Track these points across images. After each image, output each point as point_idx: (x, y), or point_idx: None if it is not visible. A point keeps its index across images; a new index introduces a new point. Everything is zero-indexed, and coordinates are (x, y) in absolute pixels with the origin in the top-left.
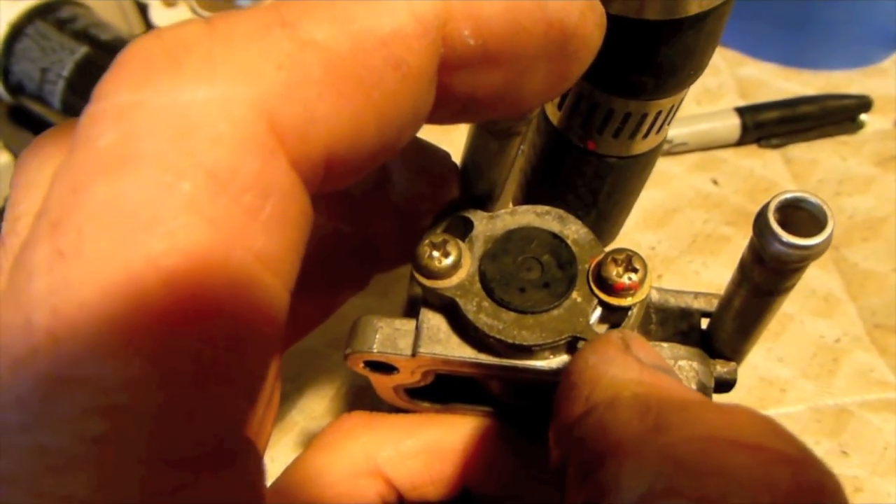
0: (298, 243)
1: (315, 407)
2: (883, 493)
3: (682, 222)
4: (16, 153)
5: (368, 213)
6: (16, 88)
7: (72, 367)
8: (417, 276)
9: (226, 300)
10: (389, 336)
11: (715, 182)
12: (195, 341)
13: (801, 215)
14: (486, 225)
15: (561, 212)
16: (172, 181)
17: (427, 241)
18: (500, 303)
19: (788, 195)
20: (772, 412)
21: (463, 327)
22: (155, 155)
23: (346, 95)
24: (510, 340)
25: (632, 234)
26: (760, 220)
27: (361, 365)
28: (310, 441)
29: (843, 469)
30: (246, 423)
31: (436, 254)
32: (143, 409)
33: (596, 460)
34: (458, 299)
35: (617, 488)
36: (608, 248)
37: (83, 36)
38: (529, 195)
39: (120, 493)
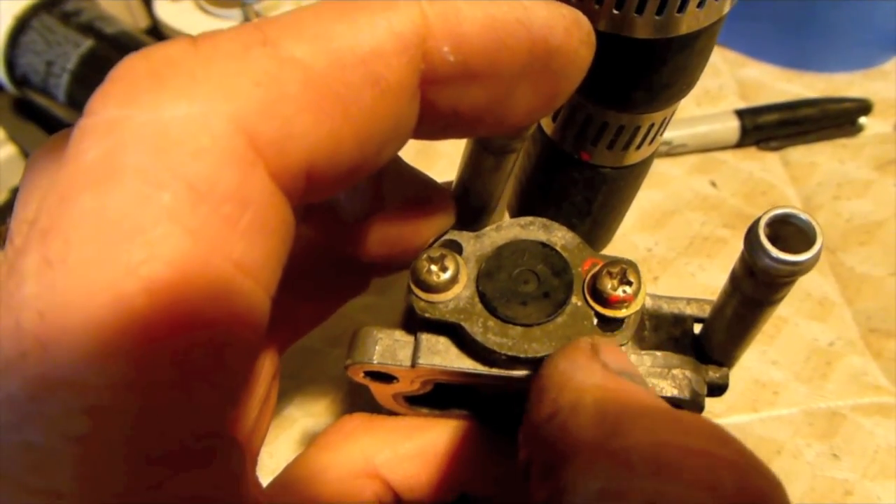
0: (279, 251)
1: (313, 404)
2: (873, 496)
3: (679, 224)
4: (21, 145)
5: (361, 241)
6: (21, 81)
7: (57, 369)
8: (416, 290)
9: (205, 306)
10: (389, 347)
11: (713, 184)
12: (175, 346)
13: (791, 230)
14: (473, 245)
15: (544, 220)
16: (153, 193)
17: (425, 256)
18: (506, 319)
19: (779, 211)
20: (764, 414)
21: (469, 346)
22: (137, 168)
23: (325, 111)
24: (523, 355)
25: (629, 235)
26: (751, 236)
27: (361, 374)
28: (308, 437)
29: (834, 472)
30: (227, 423)
31: (434, 268)
32: (124, 409)
33: (556, 461)
34: (462, 323)
35: (573, 488)
36: (601, 253)
37: (88, 29)
38: (524, 203)
39: (103, 488)
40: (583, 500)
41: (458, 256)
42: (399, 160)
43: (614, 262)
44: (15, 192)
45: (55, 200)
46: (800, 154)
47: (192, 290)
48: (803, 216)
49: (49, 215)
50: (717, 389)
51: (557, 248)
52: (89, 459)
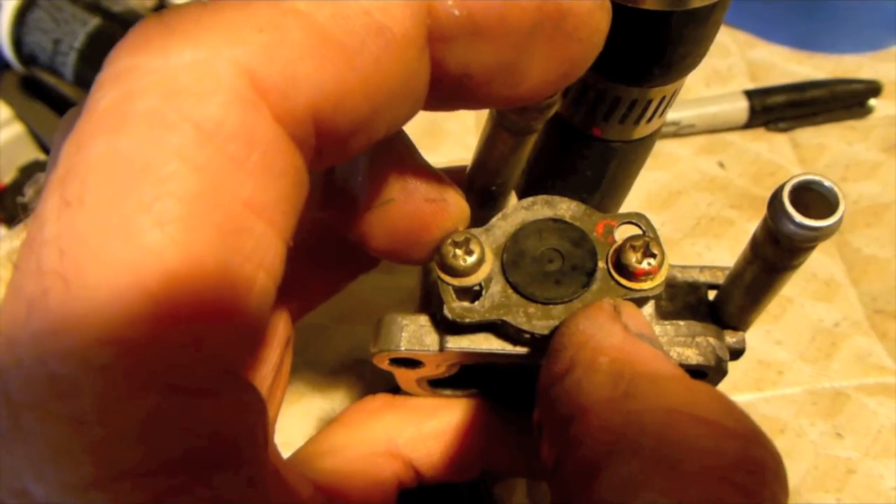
0: (291, 196)
1: (319, 379)
2: (875, 474)
3: (686, 204)
4: (28, 124)
5: (373, 233)
6: (28, 59)
7: (78, 303)
8: (443, 275)
9: (217, 243)
10: (415, 333)
11: (721, 165)
12: (188, 280)
13: (814, 197)
14: (486, 238)
15: (545, 197)
16: (162, 134)
17: (450, 241)
18: (545, 302)
19: (803, 178)
20: (768, 394)
21: (509, 333)
22: (146, 112)
23: (328, 59)
24: None
25: None
26: (775, 202)
27: (387, 362)
28: (313, 412)
29: (837, 451)
30: (244, 366)
31: (459, 252)
32: (142, 340)
33: (569, 416)
34: (504, 318)
35: (584, 444)
36: (611, 214)
37: (95, 7)
38: (533, 181)
39: (123, 415)
40: (592, 454)
41: (480, 238)
42: (419, 157)
43: (637, 235)
44: (24, 171)
45: (73, 148)
46: (808, 135)
47: (203, 226)
48: (826, 182)
49: (67, 161)
50: (735, 354)
51: (568, 220)
52: (110, 388)
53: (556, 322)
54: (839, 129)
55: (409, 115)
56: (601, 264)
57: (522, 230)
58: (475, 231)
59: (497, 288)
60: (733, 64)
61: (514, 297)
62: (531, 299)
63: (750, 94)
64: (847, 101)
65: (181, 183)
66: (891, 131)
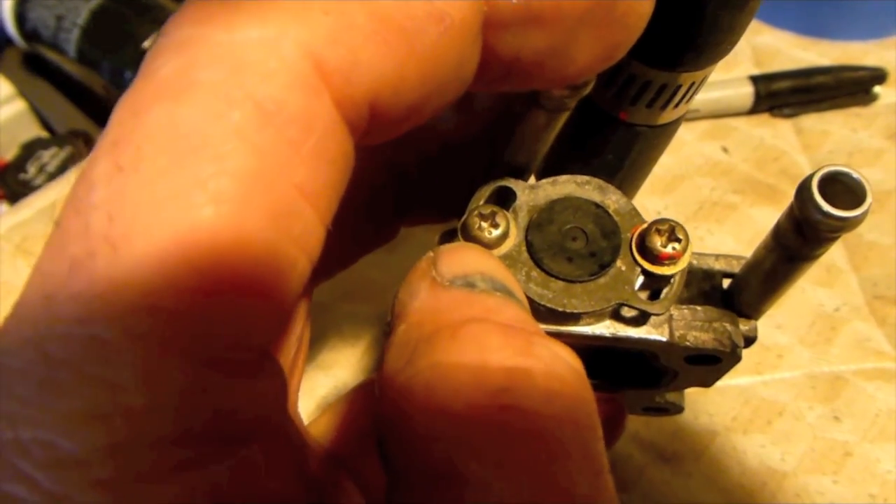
0: (338, 182)
1: (323, 357)
2: (872, 458)
3: (689, 189)
4: (30, 100)
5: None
6: (31, 35)
7: (125, 269)
8: None
9: (267, 224)
10: None
11: (725, 150)
12: (236, 258)
13: (839, 188)
14: (528, 195)
15: (601, 182)
16: (224, 109)
17: (476, 213)
18: (549, 272)
19: (831, 168)
20: (768, 377)
21: None
22: (209, 84)
23: (390, 43)
24: (560, 309)
25: (639, 198)
26: (803, 191)
27: None
28: (316, 390)
29: (835, 434)
30: (274, 343)
31: (484, 225)
32: (184, 312)
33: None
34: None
35: (377, 420)
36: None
37: None
38: (555, 160)
39: (158, 385)
40: (380, 431)
41: (507, 213)
42: None
43: (662, 220)
44: (25, 147)
45: (127, 112)
46: (812, 122)
47: (255, 207)
48: (854, 175)
49: (121, 126)
50: (747, 342)
51: (610, 212)
52: (148, 356)
53: (551, 294)
54: (843, 116)
55: (456, 99)
56: (619, 264)
57: (563, 201)
58: (522, 183)
59: (513, 242)
60: (739, 49)
61: (524, 255)
62: (537, 264)
63: (755, 80)
64: (852, 87)
65: (239, 162)
66: (895, 119)
